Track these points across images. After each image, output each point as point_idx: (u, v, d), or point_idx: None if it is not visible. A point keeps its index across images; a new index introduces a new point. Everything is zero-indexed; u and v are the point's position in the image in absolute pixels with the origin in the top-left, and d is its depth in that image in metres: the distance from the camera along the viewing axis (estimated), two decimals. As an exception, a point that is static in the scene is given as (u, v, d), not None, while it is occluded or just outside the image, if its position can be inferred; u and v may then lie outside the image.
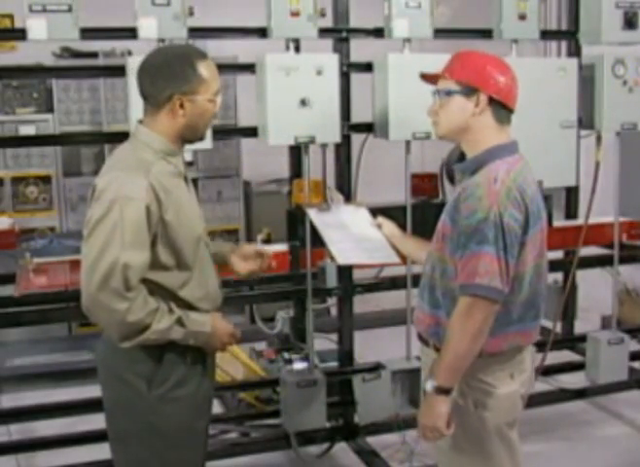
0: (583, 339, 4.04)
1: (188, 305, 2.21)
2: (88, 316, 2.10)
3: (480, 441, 2.26)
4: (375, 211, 2.82)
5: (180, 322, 2.14)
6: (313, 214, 2.81)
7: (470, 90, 2.18)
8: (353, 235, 2.73)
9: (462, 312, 2.09)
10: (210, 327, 2.22)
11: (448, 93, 2.20)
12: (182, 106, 2.13)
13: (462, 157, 2.31)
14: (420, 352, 2.46)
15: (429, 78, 2.31)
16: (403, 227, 3.45)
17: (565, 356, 4.37)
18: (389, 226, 2.72)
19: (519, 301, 2.20)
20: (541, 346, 3.83)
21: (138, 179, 2.07)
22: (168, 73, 2.11)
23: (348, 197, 3.63)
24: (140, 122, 2.22)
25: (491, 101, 2.18)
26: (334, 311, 4.84)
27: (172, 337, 2.14)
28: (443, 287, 2.23)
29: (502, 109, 2.20)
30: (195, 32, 3.19)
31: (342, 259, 2.68)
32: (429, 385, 2.14)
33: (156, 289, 2.14)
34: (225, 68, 3.93)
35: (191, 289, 2.21)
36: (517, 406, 2.30)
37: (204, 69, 2.14)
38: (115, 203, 2.03)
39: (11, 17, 5.12)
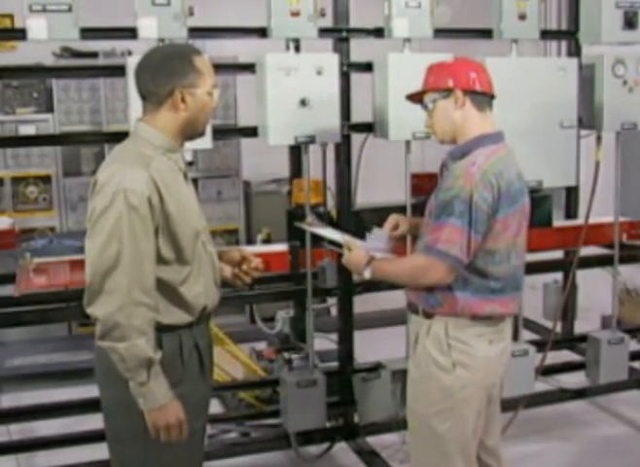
0: (583, 339, 4.04)
1: (186, 303, 2.22)
2: (87, 307, 2.10)
3: (454, 401, 2.46)
4: (375, 211, 2.84)
5: (149, 367, 2.08)
6: (314, 229, 2.97)
7: (446, 92, 2.47)
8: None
9: (419, 266, 2.43)
10: (169, 399, 2.12)
11: (432, 102, 2.50)
12: (183, 100, 2.17)
13: None
14: (409, 321, 2.67)
15: (414, 98, 2.59)
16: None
17: (565, 356, 4.37)
18: (404, 221, 2.80)
19: (499, 273, 2.45)
20: (541, 346, 3.84)
21: (139, 171, 2.10)
22: (168, 69, 2.16)
23: (349, 196, 3.62)
24: (140, 119, 2.25)
25: (466, 93, 2.45)
26: (334, 311, 4.84)
27: (132, 376, 2.07)
28: None
29: (479, 96, 2.47)
30: (195, 32, 3.19)
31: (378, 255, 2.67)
32: (367, 273, 2.51)
33: (156, 285, 2.15)
34: (225, 68, 3.95)
35: (189, 285, 2.22)
36: (495, 370, 2.54)
37: (200, 63, 2.20)
38: (118, 195, 2.05)
39: (11, 16, 5.12)
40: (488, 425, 2.63)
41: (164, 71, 2.16)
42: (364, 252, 2.56)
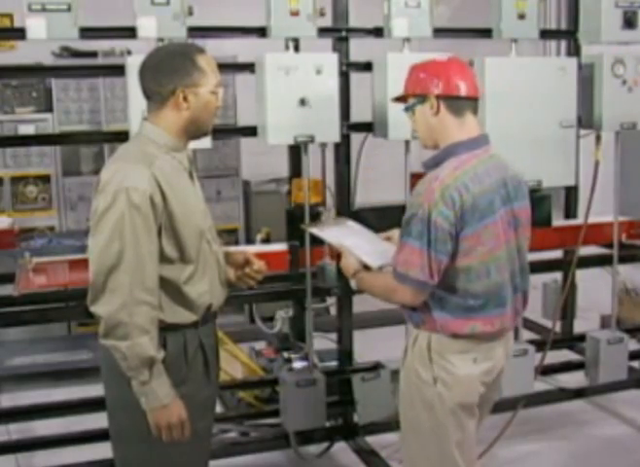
0: (582, 338, 4.04)
1: (190, 302, 2.22)
2: (90, 306, 2.11)
3: (435, 414, 2.40)
4: (375, 211, 2.83)
5: (151, 366, 2.08)
6: (317, 231, 2.86)
7: (422, 98, 2.37)
8: (362, 241, 2.71)
9: (389, 287, 2.38)
10: (171, 399, 2.12)
11: (411, 107, 2.42)
12: (185, 99, 2.17)
13: None
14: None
15: (401, 101, 2.49)
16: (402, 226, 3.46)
17: (564, 356, 4.37)
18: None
19: (477, 290, 2.33)
20: (540, 346, 3.84)
21: (141, 170, 2.11)
22: (170, 68, 2.16)
23: (348, 196, 3.63)
24: (145, 119, 2.26)
25: (441, 98, 2.33)
26: (333, 311, 4.83)
27: (134, 374, 2.08)
28: None
29: (456, 101, 2.34)
30: (195, 31, 3.19)
31: (375, 263, 2.58)
32: (352, 283, 2.54)
33: (160, 283, 2.15)
34: (224, 67, 3.90)
35: (193, 284, 2.22)
36: (475, 390, 2.43)
37: (203, 62, 2.19)
38: (120, 194, 2.06)
39: (10, 16, 5.13)
40: None
41: (166, 70, 2.16)
42: (354, 261, 2.52)
